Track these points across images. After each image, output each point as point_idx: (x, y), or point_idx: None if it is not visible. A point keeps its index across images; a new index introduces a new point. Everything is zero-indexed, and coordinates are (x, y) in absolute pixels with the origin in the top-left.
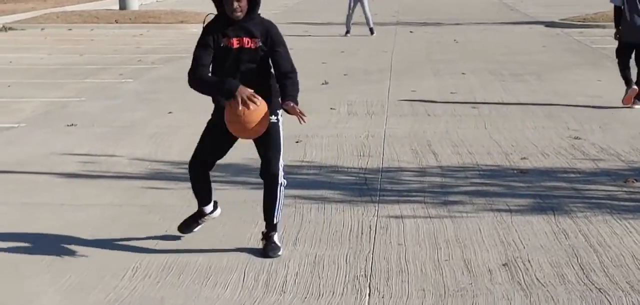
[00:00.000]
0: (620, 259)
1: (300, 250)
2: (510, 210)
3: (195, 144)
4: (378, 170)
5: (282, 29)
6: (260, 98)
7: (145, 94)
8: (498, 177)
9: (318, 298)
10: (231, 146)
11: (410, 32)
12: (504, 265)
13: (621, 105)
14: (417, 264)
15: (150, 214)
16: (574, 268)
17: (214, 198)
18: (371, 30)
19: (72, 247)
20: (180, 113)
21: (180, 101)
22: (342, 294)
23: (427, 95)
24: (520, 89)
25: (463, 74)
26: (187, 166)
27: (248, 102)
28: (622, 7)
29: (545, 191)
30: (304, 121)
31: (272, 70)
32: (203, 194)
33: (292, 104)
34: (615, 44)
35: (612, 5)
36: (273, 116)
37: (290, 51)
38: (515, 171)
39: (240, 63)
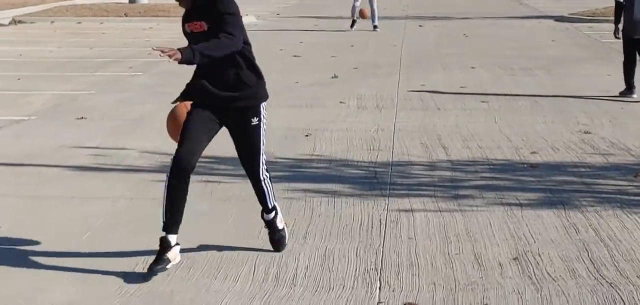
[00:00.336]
0: (630, 253)
1: (311, 244)
2: (520, 205)
3: None
4: (388, 164)
5: (290, 23)
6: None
7: (155, 87)
8: (508, 171)
9: (328, 291)
10: (210, 135)
11: (420, 26)
12: (514, 259)
13: (631, 99)
14: (427, 257)
15: (160, 207)
16: (584, 262)
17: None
18: (375, 27)
19: (83, 239)
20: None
21: None
22: (353, 288)
23: (436, 89)
24: (529, 83)
25: (473, 68)
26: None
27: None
28: (624, 2)
29: (555, 185)
30: (160, 55)
31: (248, 56)
32: (173, 215)
33: (171, 50)
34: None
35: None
36: (254, 118)
37: (299, 45)
38: (525, 165)
39: None
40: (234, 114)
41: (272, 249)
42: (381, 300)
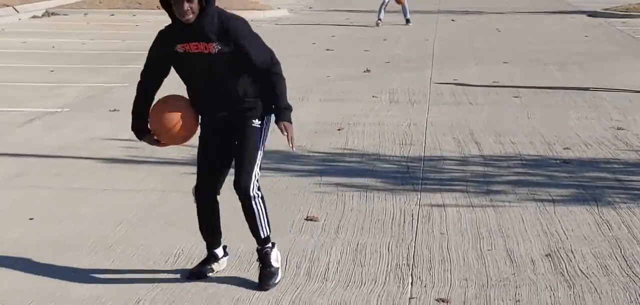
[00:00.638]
0: None
1: (342, 239)
2: (553, 201)
3: None
4: (420, 158)
5: (322, 17)
6: (171, 101)
7: None
8: (541, 167)
9: (360, 286)
10: (227, 163)
11: (452, 20)
12: (547, 255)
13: None
14: (459, 253)
15: (192, 199)
16: (617, 259)
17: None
18: (407, 21)
19: (115, 232)
20: None
21: None
22: (384, 283)
23: (469, 84)
24: (562, 78)
25: (505, 62)
26: None
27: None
28: None
29: (588, 181)
30: (293, 149)
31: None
32: (210, 233)
33: (283, 123)
34: None
35: None
36: (256, 120)
37: (331, 39)
38: (557, 161)
39: (205, 72)
40: (236, 116)
41: (257, 286)
42: (413, 296)
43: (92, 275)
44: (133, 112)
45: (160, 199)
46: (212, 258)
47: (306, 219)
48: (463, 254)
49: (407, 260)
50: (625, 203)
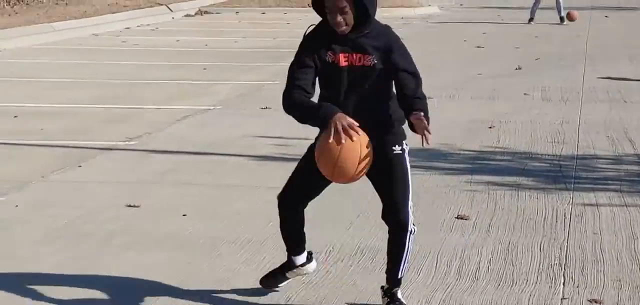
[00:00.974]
0: None
1: (494, 237)
2: None
3: None
4: (573, 157)
5: (473, 14)
6: (362, 133)
7: None
8: None
9: (511, 285)
10: (327, 184)
11: (606, 17)
12: None
13: None
14: (612, 253)
15: (343, 197)
16: None
17: (308, 247)
18: (561, 19)
19: (266, 228)
20: None
21: None
22: (536, 283)
23: (623, 82)
24: None
25: None
26: None
27: (344, 133)
28: None
29: None
30: (428, 142)
31: (394, 91)
32: (293, 239)
33: (422, 113)
34: None
35: None
36: (396, 146)
37: (482, 36)
38: None
39: (351, 85)
40: (375, 140)
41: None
42: (565, 296)
43: (245, 269)
44: (310, 118)
45: None
46: (288, 265)
47: (457, 217)
48: (616, 254)
49: (559, 260)
50: None
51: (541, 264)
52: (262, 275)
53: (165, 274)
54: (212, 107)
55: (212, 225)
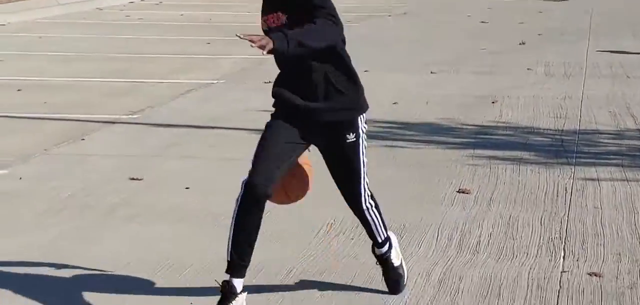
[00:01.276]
0: None
1: (495, 211)
2: None
3: (392, 105)
4: (575, 132)
5: None
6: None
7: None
8: None
9: (512, 259)
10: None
11: None
12: None
13: None
14: (613, 227)
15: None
16: None
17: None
18: None
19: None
20: (377, 72)
21: (377, 60)
22: (537, 256)
23: (626, 57)
24: None
25: None
26: (382, 125)
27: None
28: None
29: None
30: (253, 46)
31: (342, 56)
32: (248, 243)
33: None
34: None
35: None
36: (350, 134)
37: (487, 11)
38: None
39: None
40: (324, 130)
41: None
42: (565, 270)
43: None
44: None
45: (314, 170)
46: (228, 292)
47: (458, 192)
48: (617, 228)
49: (560, 234)
50: None
51: (541, 237)
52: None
53: (168, 247)
54: (215, 81)
55: (215, 199)
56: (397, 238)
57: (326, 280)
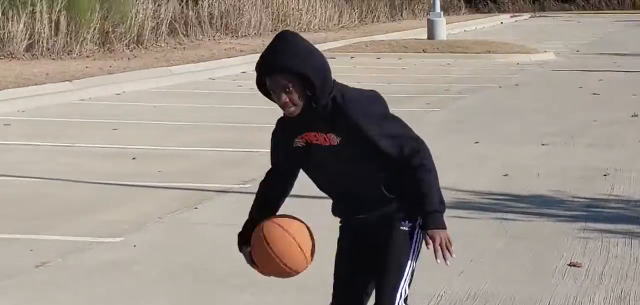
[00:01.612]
0: None
1: (606, 285)
2: None
3: (503, 177)
4: None
5: (590, 61)
6: (294, 223)
7: (450, 123)
8: None
9: None
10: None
11: None
12: None
13: None
14: None
15: (454, 242)
16: None
17: None
18: None
19: None
20: (487, 144)
21: (487, 132)
22: None
23: None
24: None
25: None
26: (493, 196)
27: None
28: None
29: None
30: (447, 264)
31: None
32: None
33: (430, 235)
34: None
35: None
36: (405, 222)
37: (598, 83)
38: None
39: (327, 166)
40: (379, 219)
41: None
42: None
43: None
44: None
45: None
46: None
47: (569, 265)
48: None
49: None
50: None
51: None
52: None
53: None
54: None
55: (328, 266)
56: None
57: None
